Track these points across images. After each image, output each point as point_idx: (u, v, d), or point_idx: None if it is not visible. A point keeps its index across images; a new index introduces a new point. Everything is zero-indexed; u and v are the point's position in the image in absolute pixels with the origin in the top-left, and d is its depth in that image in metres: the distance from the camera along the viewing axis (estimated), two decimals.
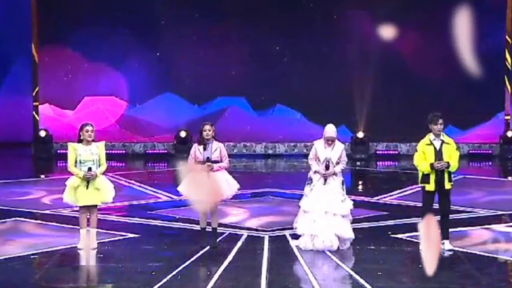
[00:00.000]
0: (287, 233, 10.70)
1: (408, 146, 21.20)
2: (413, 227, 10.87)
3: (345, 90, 21.12)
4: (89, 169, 9.70)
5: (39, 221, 11.84)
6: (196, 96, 21.71)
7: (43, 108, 21.82)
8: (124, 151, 21.64)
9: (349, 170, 17.71)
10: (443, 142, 9.68)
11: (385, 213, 12.50)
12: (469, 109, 20.96)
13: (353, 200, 10.30)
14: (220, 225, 10.55)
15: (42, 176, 18.54)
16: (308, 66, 21.40)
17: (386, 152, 21.70)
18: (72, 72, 21.76)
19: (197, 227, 10.36)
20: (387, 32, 21.31)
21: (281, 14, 21.42)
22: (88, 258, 9.56)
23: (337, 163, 9.95)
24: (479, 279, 8.59)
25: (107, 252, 9.78)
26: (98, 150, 9.85)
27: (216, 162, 9.89)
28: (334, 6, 21.50)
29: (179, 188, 10.07)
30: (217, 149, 9.94)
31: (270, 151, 22.01)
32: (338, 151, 9.99)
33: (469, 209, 12.67)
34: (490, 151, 21.50)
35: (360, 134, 21.09)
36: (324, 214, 9.81)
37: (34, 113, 21.88)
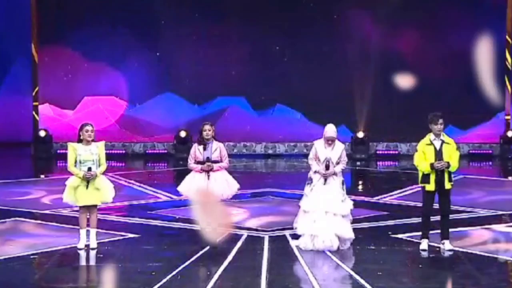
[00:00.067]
0: (287, 233, 10.69)
1: (408, 146, 21.20)
2: (414, 227, 10.89)
3: (345, 90, 21.13)
4: (89, 169, 9.69)
5: (39, 221, 11.82)
6: (196, 96, 21.70)
7: (43, 108, 21.81)
8: (124, 151, 21.64)
9: (349, 170, 17.71)
10: (443, 142, 9.67)
11: (385, 213, 12.48)
12: (469, 109, 20.97)
13: (353, 200, 10.28)
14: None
15: (42, 176, 18.52)
16: (308, 66, 21.38)
17: (386, 152, 21.70)
18: (72, 72, 21.75)
19: (197, 227, 10.36)
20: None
21: (281, 14, 21.42)
22: (87, 258, 9.56)
23: (337, 163, 9.93)
24: (479, 279, 8.57)
25: (107, 252, 9.76)
26: (98, 150, 9.84)
27: (216, 162, 9.89)
28: (334, 6, 21.50)
29: (179, 188, 10.07)
30: (217, 149, 9.94)
31: (270, 151, 22.00)
32: (338, 151, 9.97)
33: (469, 209, 12.66)
34: (491, 151, 21.49)
35: (360, 134, 21.08)
36: (324, 214, 9.79)
37: (34, 113, 21.87)
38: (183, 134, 20.95)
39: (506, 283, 8.53)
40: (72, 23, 21.35)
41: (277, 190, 14.92)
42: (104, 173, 9.93)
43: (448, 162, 9.54)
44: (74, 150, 9.79)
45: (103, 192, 9.85)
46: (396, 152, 21.59)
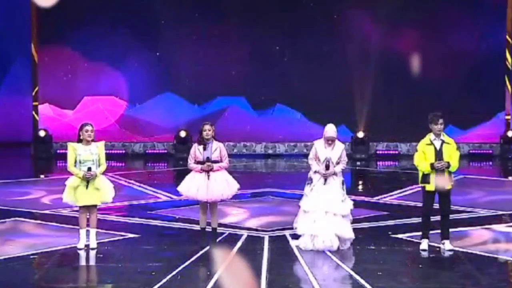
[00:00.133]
0: (287, 233, 10.68)
1: (408, 146, 21.20)
2: (414, 227, 10.89)
3: (345, 90, 21.13)
4: (89, 169, 9.68)
5: (38, 221, 11.82)
6: (196, 96, 21.70)
7: (42, 108, 21.81)
8: (124, 151, 21.64)
9: (349, 170, 17.71)
10: (443, 142, 9.66)
11: (386, 213, 12.47)
12: (469, 109, 20.97)
13: (353, 200, 10.27)
14: (220, 225, 10.54)
15: (42, 176, 18.52)
16: (308, 66, 21.38)
17: (386, 152, 21.69)
18: (71, 72, 21.76)
19: (197, 227, 10.37)
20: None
21: (281, 14, 21.42)
22: (87, 258, 9.55)
23: (337, 163, 9.93)
24: (479, 279, 8.57)
25: (107, 252, 9.76)
26: (97, 150, 9.83)
27: (216, 162, 9.88)
28: (334, 6, 21.50)
29: (179, 188, 10.06)
30: (217, 149, 9.93)
31: (270, 151, 22.00)
32: (338, 151, 9.97)
33: (469, 209, 12.65)
34: (491, 151, 21.49)
35: (360, 134, 21.08)
36: (324, 214, 9.79)
37: (33, 113, 21.87)
38: (183, 134, 20.94)
39: (506, 283, 8.52)
40: (72, 23, 21.35)
41: (277, 190, 14.92)
42: (104, 173, 9.92)
43: (448, 162, 9.54)
44: (74, 150, 9.78)
45: (103, 192, 9.85)
46: (396, 152, 21.59)
